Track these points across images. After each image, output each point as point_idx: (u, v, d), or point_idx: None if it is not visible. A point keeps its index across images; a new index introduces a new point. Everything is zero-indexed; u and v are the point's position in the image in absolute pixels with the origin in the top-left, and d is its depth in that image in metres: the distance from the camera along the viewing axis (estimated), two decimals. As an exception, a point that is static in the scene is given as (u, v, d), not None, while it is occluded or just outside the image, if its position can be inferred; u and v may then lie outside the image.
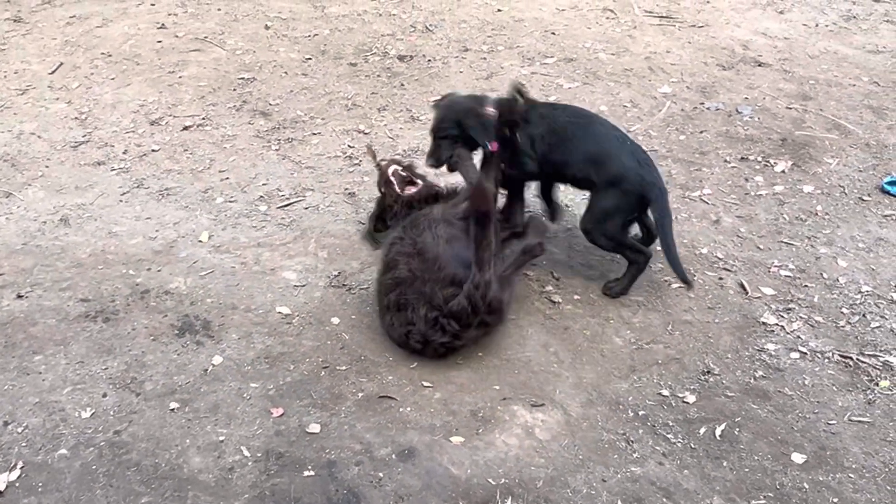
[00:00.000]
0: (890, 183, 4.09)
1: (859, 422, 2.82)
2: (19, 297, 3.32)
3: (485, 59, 5.58)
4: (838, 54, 5.56)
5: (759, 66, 5.39)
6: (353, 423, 2.75)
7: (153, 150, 4.54)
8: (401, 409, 2.82)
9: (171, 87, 5.21)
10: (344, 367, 3.00)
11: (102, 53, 5.60)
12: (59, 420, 2.73)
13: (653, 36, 5.85)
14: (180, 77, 5.33)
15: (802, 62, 5.44)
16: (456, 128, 3.41)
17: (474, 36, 5.92)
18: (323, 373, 2.97)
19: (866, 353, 3.13)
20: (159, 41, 5.80)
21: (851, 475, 2.61)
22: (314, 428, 2.72)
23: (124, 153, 4.51)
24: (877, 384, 2.99)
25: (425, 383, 2.94)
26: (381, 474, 2.56)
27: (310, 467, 2.57)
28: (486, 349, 3.12)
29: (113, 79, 5.30)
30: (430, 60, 5.56)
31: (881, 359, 3.10)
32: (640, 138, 4.62)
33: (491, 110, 3.41)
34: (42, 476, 2.53)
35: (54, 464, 2.57)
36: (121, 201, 4.08)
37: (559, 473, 2.59)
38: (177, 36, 5.88)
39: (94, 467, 2.56)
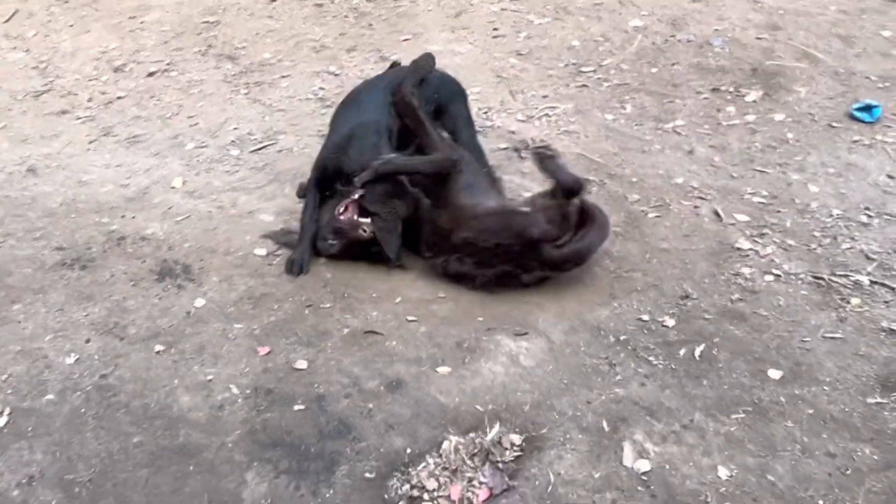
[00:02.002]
0: (858, 109, 4.14)
1: (832, 338, 2.90)
2: (-9, 247, 3.26)
3: (453, -5, 5.49)
4: (806, -17, 5.54)
5: (729, -4, 5.37)
6: (339, 359, 2.77)
7: (118, 98, 4.44)
8: (386, 343, 2.85)
9: (132, 33, 5.07)
10: (328, 305, 3.01)
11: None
12: (44, 367, 2.72)
13: (622, -31, 5.78)
14: (142, 22, 5.19)
15: (771, -8, 5.43)
16: None
17: (442, -27, 5.80)
18: (307, 311, 2.98)
19: (838, 273, 3.21)
20: (117, -15, 5.61)
21: (826, 388, 2.70)
22: (301, 364, 2.74)
23: (89, 101, 4.41)
24: (848, 302, 3.07)
25: (409, 318, 2.96)
26: (370, 405, 2.59)
27: (299, 401, 2.60)
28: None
29: (71, 26, 5.15)
30: (397, -1, 5.45)
31: (852, 278, 3.18)
32: (612, 72, 4.62)
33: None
34: (31, 421, 2.52)
35: (42, 409, 2.56)
36: (88, 150, 4.00)
37: (545, 398, 2.65)
38: (135, -21, 5.69)
39: (82, 411, 2.56)
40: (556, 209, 3.13)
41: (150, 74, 4.64)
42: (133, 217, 3.47)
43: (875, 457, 2.46)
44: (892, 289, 3.14)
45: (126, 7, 5.35)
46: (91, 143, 4.04)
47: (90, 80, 4.59)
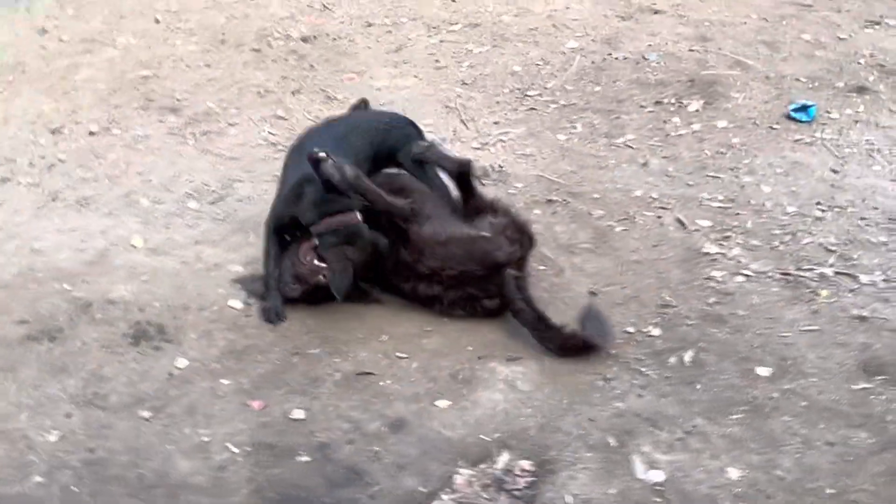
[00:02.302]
0: (795, 110, 4.33)
1: (809, 330, 3.01)
2: (-51, 327, 3.09)
3: (390, 32, 5.53)
4: (725, -5, 5.81)
5: (656, 13, 5.57)
6: (336, 404, 2.72)
7: (60, 161, 4.29)
8: (381, 383, 2.81)
9: (66, 94, 4.91)
10: (315, 350, 2.96)
11: (-18, 65, 5.22)
12: (25, 447, 2.58)
13: (550, -6, 5.94)
14: (74, 82, 5.03)
15: (694, 6, 5.66)
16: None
17: (375, 10, 5.85)
18: (295, 359, 2.92)
19: (803, 267, 3.33)
20: (43, 47, 5.45)
21: (813, 379, 2.79)
22: (298, 414, 2.68)
23: (29, 166, 4.24)
24: (817, 294, 3.19)
25: (399, 354, 2.94)
26: (376, 448, 2.55)
27: (303, 453, 2.54)
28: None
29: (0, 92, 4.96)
30: (335, 39, 5.46)
31: (816, 271, 3.31)
32: (558, 94, 4.72)
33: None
34: (20, 507, 2.38)
35: (31, 493, 2.43)
36: (37, 216, 3.84)
37: (548, 420, 2.65)
38: (61, 40, 5.54)
39: (74, 489, 2.43)
40: (513, 227, 3.18)
41: (92, 134, 4.50)
42: (97, 281, 3.34)
43: (870, 440, 2.55)
44: (855, 277, 3.28)
45: (54, 68, 5.19)
46: (38, 208, 3.88)
47: (27, 144, 4.42)
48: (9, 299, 3.24)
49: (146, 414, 2.69)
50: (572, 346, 2.89)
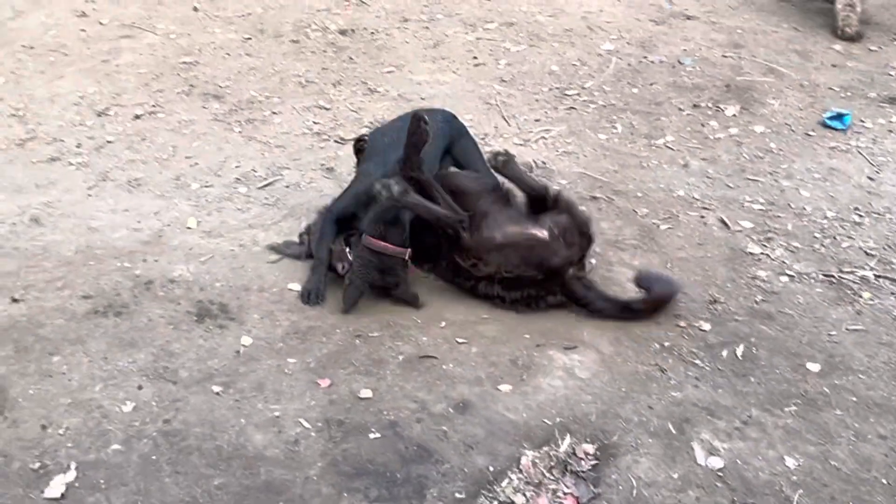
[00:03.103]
0: (830, 118, 4.44)
1: (855, 330, 3.10)
2: (14, 300, 3.14)
3: (427, 28, 5.62)
4: (755, 4, 5.93)
5: (688, 19, 5.68)
6: (401, 385, 2.80)
7: (108, 142, 4.35)
8: (443, 367, 2.88)
9: (108, 77, 4.97)
10: (376, 334, 3.03)
11: (23, 46, 5.26)
12: (101, 417, 2.64)
13: (583, -3, 6.04)
14: (116, 65, 5.09)
15: (725, 13, 5.78)
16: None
17: (410, 6, 5.93)
18: (357, 341, 2.99)
19: (845, 270, 3.43)
20: (83, 30, 5.50)
21: (861, 376, 2.88)
22: (366, 393, 2.75)
23: (78, 147, 4.30)
24: (860, 296, 3.29)
25: (459, 340, 3.01)
26: (444, 428, 2.63)
27: (373, 430, 2.61)
28: (505, 303, 3.21)
29: (42, 72, 5.00)
30: (372, 33, 5.54)
31: (858, 274, 3.41)
32: (596, 94, 4.81)
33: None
34: (101, 473, 2.44)
35: (110, 459, 2.49)
36: (90, 195, 3.90)
37: (608, 407, 2.74)
38: (101, 23, 5.59)
39: (153, 457, 2.49)
40: (573, 228, 3.24)
41: (137, 117, 4.56)
42: (155, 260, 3.40)
43: (921, 435, 2.64)
44: (895, 281, 3.37)
45: (96, 51, 5.24)
46: (90, 188, 3.94)
47: (75, 125, 4.47)
48: (71, 275, 3.30)
49: (217, 389, 2.76)
50: (657, 303, 3.08)
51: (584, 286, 3.11)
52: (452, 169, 3.57)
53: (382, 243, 3.12)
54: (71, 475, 2.43)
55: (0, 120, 4.53)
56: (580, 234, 3.22)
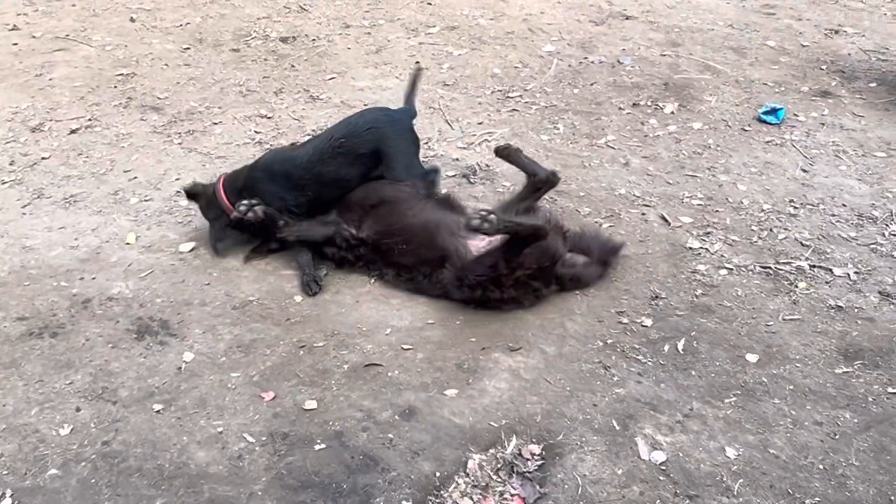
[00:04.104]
0: (765, 113, 4.54)
1: (791, 320, 3.18)
2: (-55, 325, 3.05)
3: (369, 33, 5.61)
4: (692, 3, 6.05)
5: (627, 19, 5.77)
6: (347, 394, 2.78)
7: (43, 158, 4.25)
8: (389, 374, 2.88)
9: (42, 91, 4.87)
10: (321, 343, 3.01)
11: (-48, 62, 5.13)
12: (37, 441, 2.57)
13: (524, -1, 6.09)
14: (50, 79, 4.99)
15: (663, 13, 5.88)
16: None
17: (352, 12, 5.92)
18: (301, 352, 2.97)
19: (781, 261, 3.51)
20: (15, 43, 5.39)
21: (798, 365, 2.95)
22: (310, 404, 2.73)
23: (11, 164, 4.20)
24: (796, 286, 3.37)
25: (405, 346, 3.01)
26: (390, 435, 2.62)
27: (319, 441, 2.59)
28: (451, 307, 3.22)
29: (-27, 88, 4.87)
30: (314, 40, 5.52)
31: (794, 264, 3.49)
32: (538, 95, 4.85)
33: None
34: (38, 500, 2.38)
35: (47, 485, 2.43)
36: (24, 214, 3.80)
37: (553, 406, 2.76)
38: (34, 36, 5.48)
39: (92, 481, 2.44)
40: (559, 229, 3.32)
41: (73, 132, 4.47)
42: (93, 278, 3.33)
43: (855, 420, 2.71)
44: (830, 270, 3.46)
45: (29, 65, 5.13)
46: (24, 206, 3.84)
47: (7, 142, 4.37)
48: (5, 296, 3.22)
49: (158, 407, 2.71)
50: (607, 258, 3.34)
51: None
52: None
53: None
54: (6, 503, 2.36)
55: (-71, 139, 4.40)
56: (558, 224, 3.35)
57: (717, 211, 3.84)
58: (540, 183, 3.48)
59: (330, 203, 3.52)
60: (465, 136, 4.46)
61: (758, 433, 2.66)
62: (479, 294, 3.11)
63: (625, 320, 3.16)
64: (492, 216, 2.93)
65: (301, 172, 3.46)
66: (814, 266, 3.48)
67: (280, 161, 3.54)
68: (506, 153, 3.59)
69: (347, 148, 3.46)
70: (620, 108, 4.68)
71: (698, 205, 3.88)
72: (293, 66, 5.17)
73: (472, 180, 4.06)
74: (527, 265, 3.09)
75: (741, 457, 2.58)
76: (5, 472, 2.47)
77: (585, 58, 5.23)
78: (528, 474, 2.52)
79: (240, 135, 4.46)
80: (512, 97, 4.82)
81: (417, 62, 4.17)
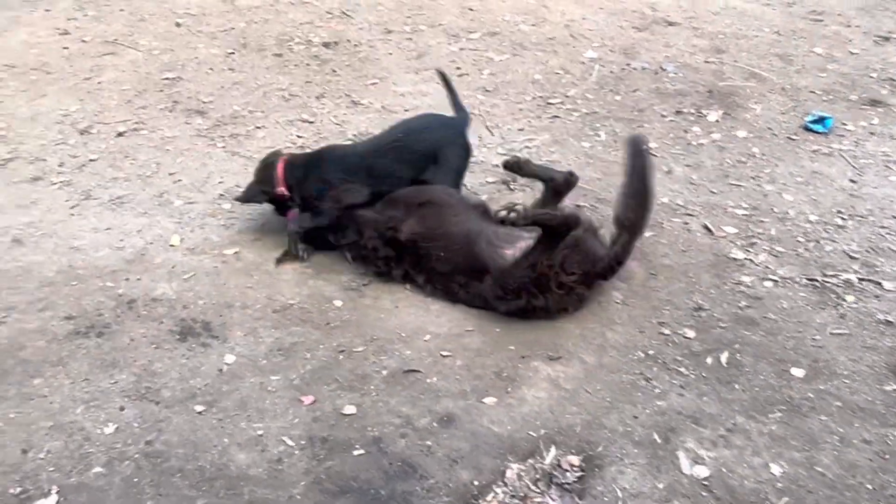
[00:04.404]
0: (812, 121, 4.46)
1: (839, 334, 3.11)
2: (-5, 323, 3.13)
3: (410, 39, 5.62)
4: (737, 9, 5.96)
5: (670, 25, 5.71)
6: (386, 400, 2.79)
7: (91, 160, 4.33)
8: (428, 381, 2.87)
9: (91, 94, 4.96)
10: (360, 349, 3.02)
11: (5, 65, 5.25)
12: (82, 439, 2.62)
13: (566, 5, 6.06)
14: (99, 83, 5.08)
15: (707, 19, 5.80)
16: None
17: (394, 17, 5.94)
18: (341, 356, 2.98)
19: (828, 274, 3.43)
20: (65, 47, 5.50)
21: (846, 381, 2.88)
22: (350, 409, 2.74)
23: (60, 166, 4.28)
24: (843, 300, 3.29)
25: (443, 353, 3.00)
26: (428, 442, 2.61)
27: (357, 446, 2.59)
28: (489, 314, 3.21)
29: (24, 91, 4.99)
30: (356, 45, 5.54)
31: (841, 277, 3.41)
32: (579, 102, 4.82)
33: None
34: (83, 497, 2.43)
35: (92, 483, 2.47)
36: (72, 215, 3.88)
37: (593, 417, 2.73)
38: (83, 41, 5.59)
39: (135, 480, 2.48)
40: (594, 230, 3.34)
41: (120, 134, 4.55)
42: (138, 279, 3.39)
43: (905, 439, 2.64)
44: (879, 283, 3.38)
45: (79, 69, 5.24)
46: (73, 207, 3.92)
47: (57, 144, 4.46)
48: (53, 296, 3.29)
49: (199, 408, 2.74)
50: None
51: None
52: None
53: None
54: (52, 500, 2.41)
55: (-19, 140, 4.51)
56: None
57: (762, 221, 3.77)
58: (559, 186, 3.46)
59: (377, 197, 3.59)
60: (506, 142, 4.44)
61: (804, 450, 2.61)
62: (523, 302, 3.09)
63: (666, 331, 3.12)
64: (518, 206, 2.95)
65: (357, 160, 3.61)
66: (862, 279, 3.40)
67: (340, 148, 3.86)
68: (515, 166, 3.57)
69: (402, 146, 3.60)
70: (663, 116, 4.63)
71: (743, 215, 3.82)
72: (335, 70, 5.21)
73: (511, 187, 4.04)
74: (571, 271, 3.06)
75: (786, 474, 2.52)
76: (52, 469, 2.51)
77: (628, 64, 5.18)
78: (566, 486, 2.49)
79: (282, 139, 4.50)
80: (553, 103, 4.80)
81: (437, 69, 4.20)
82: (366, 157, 3.63)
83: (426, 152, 3.62)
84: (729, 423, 2.71)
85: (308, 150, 3.91)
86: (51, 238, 3.69)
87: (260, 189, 3.67)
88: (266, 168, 3.71)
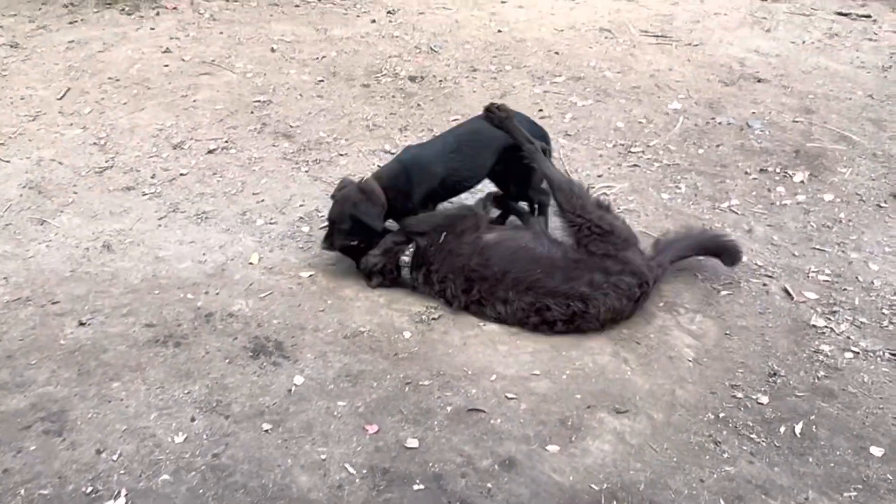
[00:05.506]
0: (904, 190, 4.31)
1: (923, 415, 2.97)
2: (81, 324, 3.26)
3: (495, 78, 5.70)
4: (829, 69, 5.85)
5: (759, 81, 5.63)
6: (448, 437, 2.79)
7: (181, 174, 4.51)
8: (491, 421, 2.87)
9: (186, 111, 5.18)
10: (427, 382, 3.03)
11: (110, 78, 5.54)
12: (153, 446, 2.70)
13: (652, 55, 6.06)
14: (194, 101, 5.30)
15: (798, 78, 5.71)
16: (349, 221, 3.58)
17: (480, 56, 6.03)
18: (407, 388, 3.00)
19: (913, 350, 3.30)
20: (166, 65, 5.76)
21: (928, 465, 2.75)
22: (412, 443, 2.75)
23: (152, 178, 4.47)
24: (929, 379, 3.15)
25: (509, 395, 2.99)
26: (488, 485, 2.60)
27: (418, 481, 2.60)
28: (557, 359, 3.19)
29: (125, 103, 5.24)
30: (441, 81, 5.64)
31: (928, 355, 3.27)
32: (661, 153, 4.78)
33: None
34: (149, 502, 2.49)
35: (159, 489, 2.53)
36: (160, 226, 4.04)
37: (658, 476, 2.67)
38: (183, 59, 5.85)
39: (200, 491, 2.53)
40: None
41: (210, 151, 4.72)
42: (217, 293, 3.49)
43: None
44: (968, 365, 3.22)
45: (177, 86, 5.47)
46: (161, 219, 4.08)
47: (151, 156, 4.66)
48: (136, 302, 3.41)
49: (267, 426, 2.80)
50: None
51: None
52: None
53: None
54: (120, 502, 2.48)
55: (83, 147, 4.75)
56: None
57: (845, 289, 3.66)
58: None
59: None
60: (584, 187, 4.42)
61: (879, 534, 2.49)
62: (579, 306, 3.25)
63: (739, 395, 3.04)
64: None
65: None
66: (951, 359, 3.26)
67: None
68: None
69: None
70: (747, 173, 4.56)
71: (825, 281, 3.71)
72: (419, 104, 5.31)
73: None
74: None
75: (859, 557, 2.42)
76: (122, 472, 2.59)
77: (713, 118, 5.13)
78: (626, 544, 2.44)
79: (363, 168, 4.60)
80: (634, 152, 4.78)
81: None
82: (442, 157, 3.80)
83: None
84: (801, 496, 2.62)
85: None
86: (138, 247, 3.84)
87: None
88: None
